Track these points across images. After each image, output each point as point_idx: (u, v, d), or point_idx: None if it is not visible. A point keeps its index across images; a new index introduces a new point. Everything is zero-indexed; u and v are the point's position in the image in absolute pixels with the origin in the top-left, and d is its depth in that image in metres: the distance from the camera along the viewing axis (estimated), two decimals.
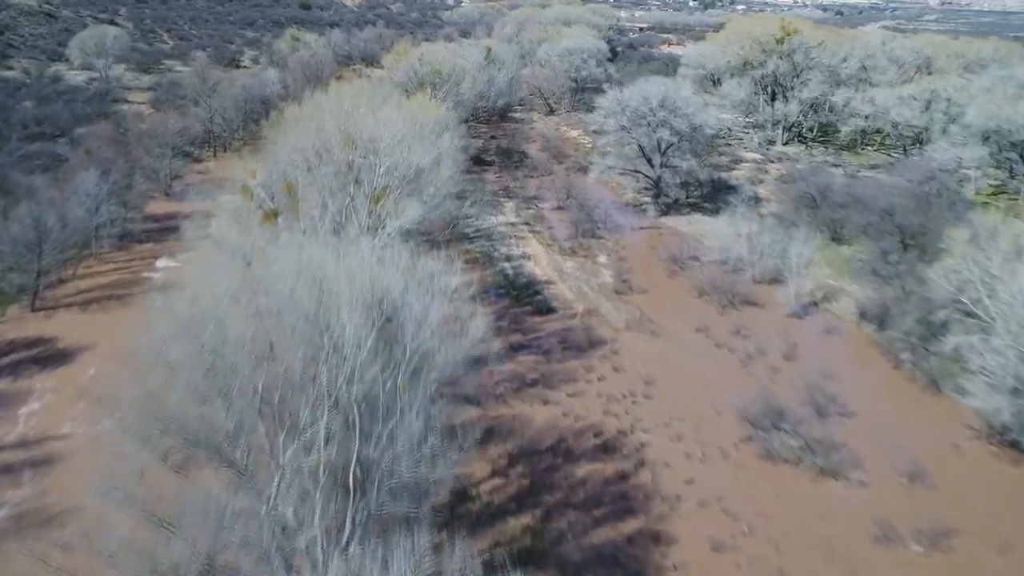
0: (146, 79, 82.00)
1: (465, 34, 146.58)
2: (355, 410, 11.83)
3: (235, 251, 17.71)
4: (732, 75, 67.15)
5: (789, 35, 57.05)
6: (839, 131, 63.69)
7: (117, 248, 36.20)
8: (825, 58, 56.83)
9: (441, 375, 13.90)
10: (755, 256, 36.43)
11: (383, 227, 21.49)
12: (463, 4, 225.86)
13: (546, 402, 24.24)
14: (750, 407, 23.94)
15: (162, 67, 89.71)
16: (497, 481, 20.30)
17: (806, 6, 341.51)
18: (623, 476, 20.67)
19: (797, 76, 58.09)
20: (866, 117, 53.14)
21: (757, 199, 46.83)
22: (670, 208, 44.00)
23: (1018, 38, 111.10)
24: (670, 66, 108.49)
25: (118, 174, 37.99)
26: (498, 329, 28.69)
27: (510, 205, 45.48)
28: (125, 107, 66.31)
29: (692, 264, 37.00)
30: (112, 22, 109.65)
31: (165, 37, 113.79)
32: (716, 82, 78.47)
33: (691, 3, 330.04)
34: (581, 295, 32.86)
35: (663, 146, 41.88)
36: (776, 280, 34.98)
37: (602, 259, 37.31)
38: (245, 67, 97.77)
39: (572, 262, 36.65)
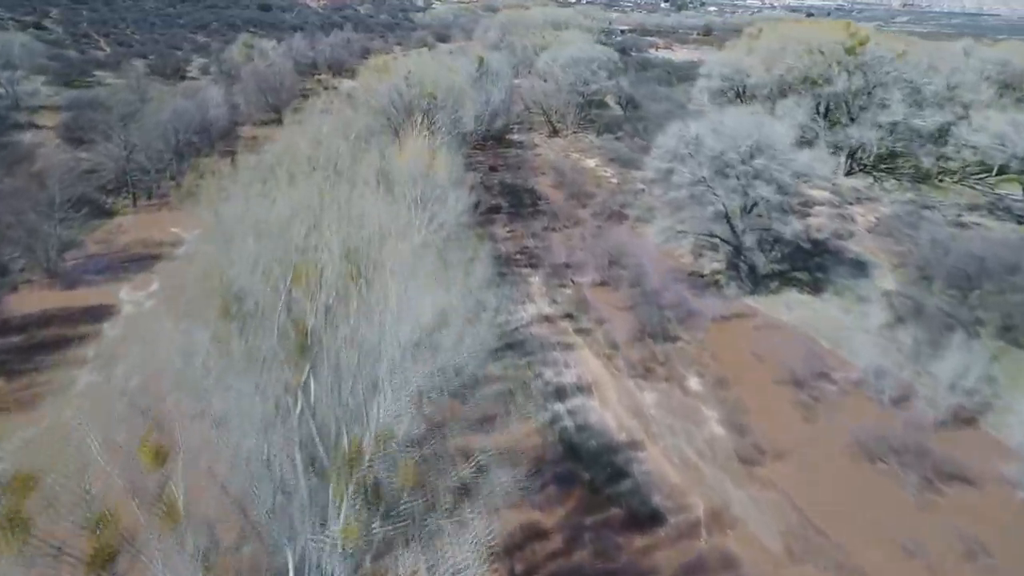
0: (70, 95, 66.79)
1: (442, 38, 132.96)
2: None
3: None
4: (771, 91, 55.20)
5: (862, 44, 45.04)
6: (899, 156, 52.09)
7: None
8: (908, 72, 44.95)
9: None
10: (920, 374, 24.26)
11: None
12: (434, 5, 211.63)
13: None
14: None
15: (90, 79, 74.50)
16: None
17: (775, 8, 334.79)
18: None
19: (869, 94, 46.14)
20: (974, 148, 41.40)
21: (860, 263, 34.68)
22: (755, 282, 31.47)
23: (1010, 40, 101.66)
24: (672, 74, 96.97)
25: None
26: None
27: (536, 281, 32.52)
28: (29, 136, 51.70)
29: (825, 388, 24.56)
30: (38, 25, 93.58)
31: (102, 43, 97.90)
32: (741, 96, 66.52)
33: (663, 4, 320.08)
34: (689, 470, 20.12)
35: (751, 205, 29.38)
36: (963, 417, 22.81)
37: (694, 383, 24.61)
38: (192, 78, 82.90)
39: (653, 393, 23.88)
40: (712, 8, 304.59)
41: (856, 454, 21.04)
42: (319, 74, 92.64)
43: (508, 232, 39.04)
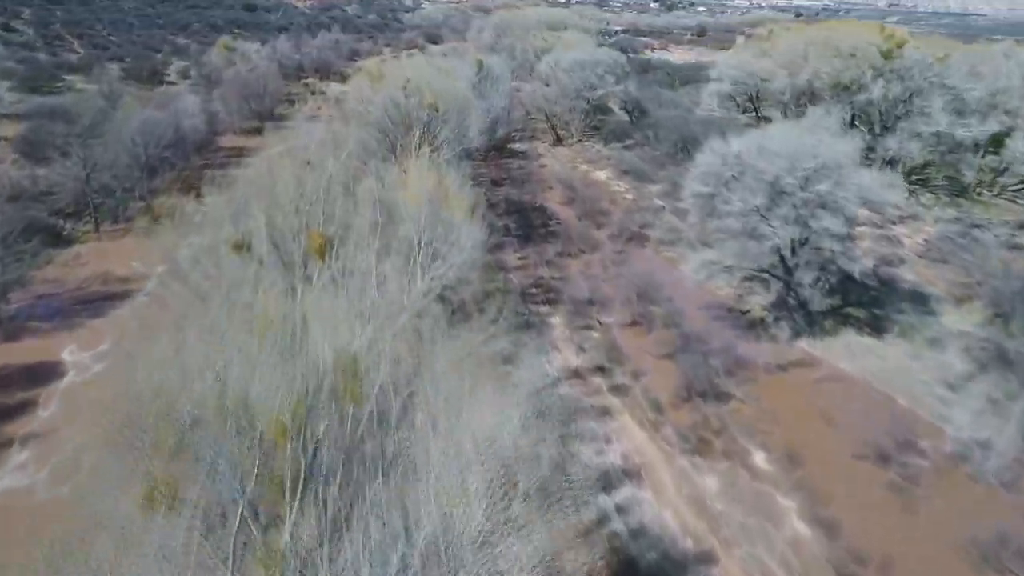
0: (35, 102, 61.53)
1: (432, 39, 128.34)
2: None
3: None
4: (790, 98, 51.30)
5: (899, 46, 40.99)
6: (930, 167, 48.16)
7: None
8: (951, 78, 40.92)
9: None
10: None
11: None
12: (423, 6, 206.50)
13: None
14: None
15: (59, 85, 69.22)
16: None
17: (762, 7, 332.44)
18: None
19: (904, 102, 42.13)
20: None
21: (920, 296, 30.57)
22: (809, 322, 27.25)
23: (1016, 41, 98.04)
24: (673, 77, 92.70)
25: None
26: None
27: (559, 323, 28.12)
28: None
29: (916, 464, 20.36)
30: (7, 27, 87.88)
31: (75, 45, 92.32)
32: (754, 102, 62.55)
33: (652, 5, 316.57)
34: None
35: (806, 236, 25.15)
36: None
37: (760, 460, 20.33)
38: (171, 82, 77.89)
39: (714, 476, 19.56)
40: (701, 8, 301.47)
41: (976, 561, 16.84)
42: (306, 77, 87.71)
43: (519, 259, 34.60)
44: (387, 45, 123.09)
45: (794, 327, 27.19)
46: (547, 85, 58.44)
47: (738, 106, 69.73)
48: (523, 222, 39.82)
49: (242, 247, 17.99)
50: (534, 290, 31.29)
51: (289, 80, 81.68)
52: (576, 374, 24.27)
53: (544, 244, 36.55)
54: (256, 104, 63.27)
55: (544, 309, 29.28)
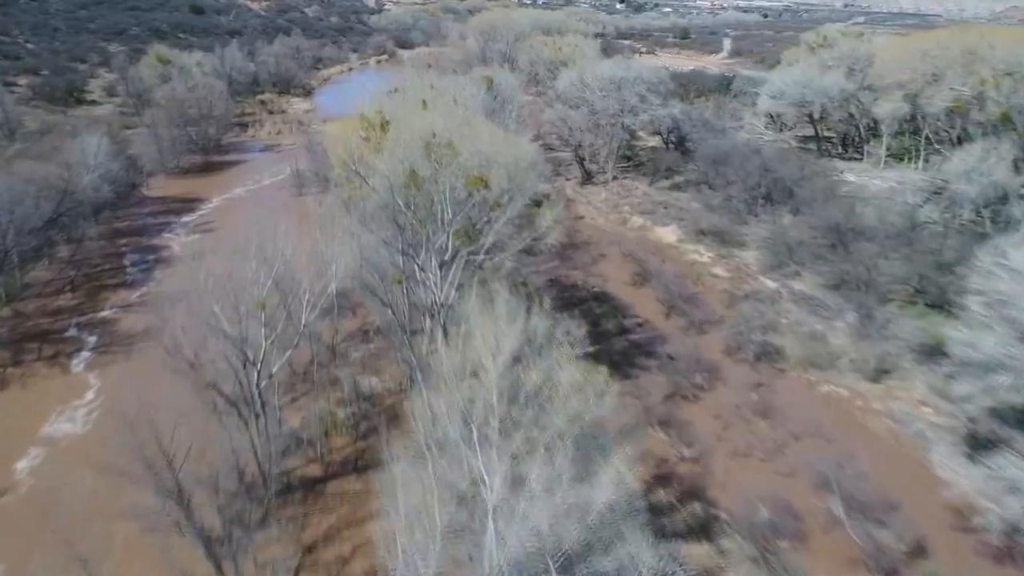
0: None
1: (403, 44, 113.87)
2: None
3: None
4: (900, 125, 39.04)
5: None
6: None
7: None
8: None
9: None
10: None
11: None
12: (387, 7, 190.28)
13: None
14: None
15: None
16: None
17: (726, 8, 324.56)
18: None
19: None
20: None
21: None
22: None
23: None
24: (687, 87, 79.79)
25: None
26: None
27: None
28: None
29: None
30: None
31: None
32: (815, 124, 50.24)
33: (618, 5, 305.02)
34: None
35: None
36: None
37: None
38: (93, 101, 62.04)
39: None
40: (666, 8, 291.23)
41: None
42: (262, 92, 72.29)
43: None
44: (353, 50, 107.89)
45: None
46: (573, 107, 44.91)
47: (774, 122, 57.78)
48: (588, 325, 26.19)
49: None
50: (661, 492, 17.89)
51: (241, 96, 66.48)
52: None
53: (637, 371, 23.22)
54: (198, 132, 48.46)
55: (698, 553, 15.91)
